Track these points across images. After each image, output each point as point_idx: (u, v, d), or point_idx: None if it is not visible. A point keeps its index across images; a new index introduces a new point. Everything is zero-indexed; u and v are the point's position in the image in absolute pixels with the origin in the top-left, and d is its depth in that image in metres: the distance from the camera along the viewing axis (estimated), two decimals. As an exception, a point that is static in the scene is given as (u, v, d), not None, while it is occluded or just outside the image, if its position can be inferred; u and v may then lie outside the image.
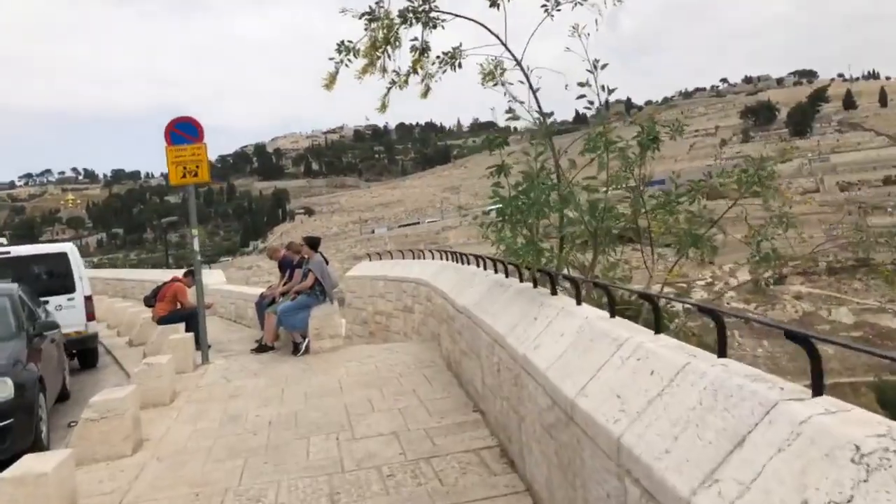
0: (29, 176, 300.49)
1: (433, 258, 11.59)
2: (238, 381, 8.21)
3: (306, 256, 9.98)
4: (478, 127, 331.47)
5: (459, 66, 5.81)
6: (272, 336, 10.14)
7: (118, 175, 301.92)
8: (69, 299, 10.65)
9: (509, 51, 5.54)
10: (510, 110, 5.36)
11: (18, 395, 5.77)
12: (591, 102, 5.12)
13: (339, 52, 5.76)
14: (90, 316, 10.82)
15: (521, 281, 5.31)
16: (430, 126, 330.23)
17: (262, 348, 10.15)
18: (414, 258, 12.76)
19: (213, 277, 17.68)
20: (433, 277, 9.43)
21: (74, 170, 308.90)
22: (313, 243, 9.90)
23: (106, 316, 16.15)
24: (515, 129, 5.62)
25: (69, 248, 11.11)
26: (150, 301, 11.74)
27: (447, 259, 10.55)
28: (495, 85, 5.57)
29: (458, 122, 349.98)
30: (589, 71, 5.06)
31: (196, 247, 9.78)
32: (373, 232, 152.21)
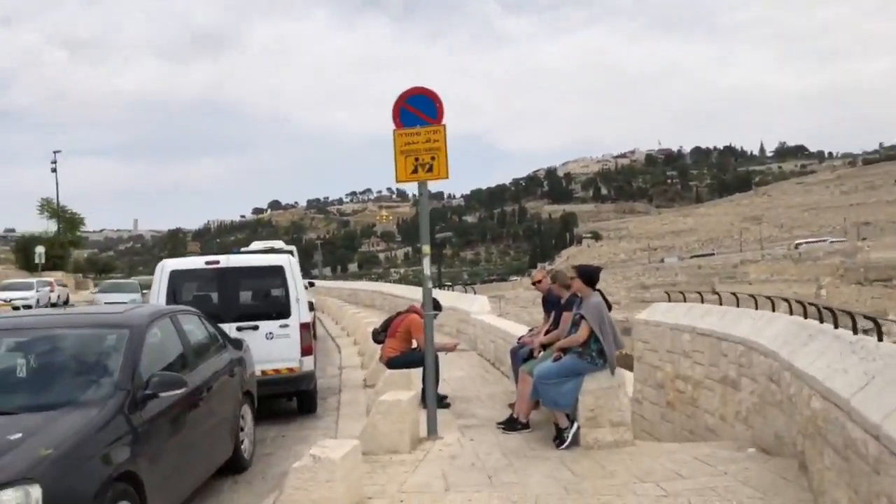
0: (354, 194, 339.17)
1: (773, 309, 7.72)
2: (460, 492, 5.16)
3: (579, 295, 6.74)
4: (785, 151, 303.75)
5: None
6: (526, 409, 7.01)
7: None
8: (282, 326, 8.54)
9: None
10: None
11: None
12: None
13: None
14: (306, 349, 8.57)
15: None
16: (728, 150, 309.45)
17: (511, 424, 7.08)
18: (737, 304, 8.86)
19: (474, 304, 15.06)
20: (785, 346, 5.66)
21: (389, 189, 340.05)
22: (589, 277, 6.59)
23: (361, 338, 14.27)
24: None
25: (286, 261, 8.88)
26: (379, 336, 9.28)
27: (803, 313, 6.64)
28: None
29: (761, 145, 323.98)
30: None
31: (427, 270, 7.03)
32: (662, 261, 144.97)
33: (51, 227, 60.35)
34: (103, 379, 4.49)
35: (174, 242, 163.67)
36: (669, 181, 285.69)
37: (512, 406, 7.96)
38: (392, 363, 8.53)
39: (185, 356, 5.50)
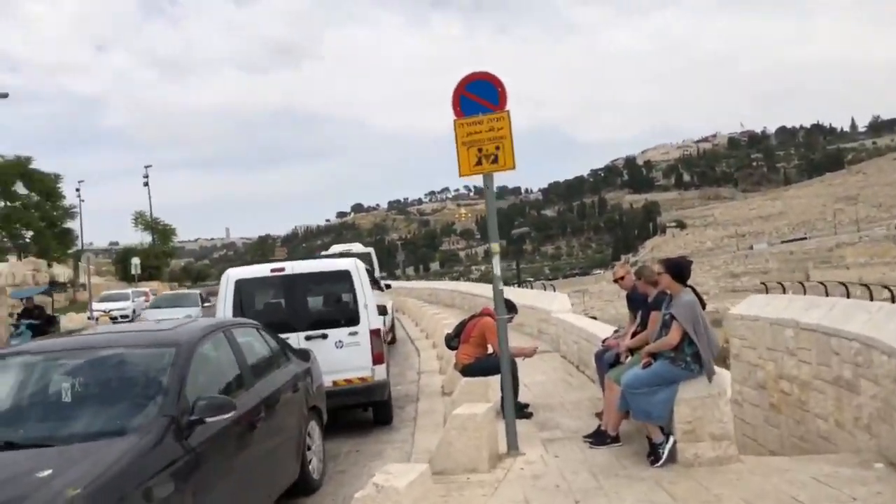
0: (432, 193, 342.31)
1: (871, 298, 6.83)
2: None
3: (668, 292, 6.07)
4: (879, 126, 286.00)
5: None
6: (615, 421, 6.37)
7: (502, 191, 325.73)
8: (351, 334, 8.11)
9: None
10: None
11: None
12: None
13: None
14: (378, 357, 8.13)
15: None
16: (816, 128, 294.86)
17: (599, 437, 6.47)
18: (847, 293, 7.97)
19: (555, 303, 14.37)
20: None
21: (466, 187, 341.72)
22: (679, 272, 5.91)
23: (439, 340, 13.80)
24: None
25: (352, 265, 8.44)
26: (452, 342, 8.73)
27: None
28: None
29: (853, 121, 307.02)
30: None
31: (497, 270, 6.48)
32: (751, 248, 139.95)
33: (145, 238, 62.98)
34: (145, 404, 4.12)
35: (263, 248, 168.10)
36: (755, 164, 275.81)
37: (599, 416, 7.34)
38: (467, 370, 8.01)
39: (241, 374, 5.11)
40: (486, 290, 22.08)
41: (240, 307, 8.04)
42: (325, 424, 6.88)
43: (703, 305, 5.84)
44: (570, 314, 13.27)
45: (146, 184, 60.27)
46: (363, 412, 8.60)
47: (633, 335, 6.83)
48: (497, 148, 6.38)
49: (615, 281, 7.83)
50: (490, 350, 8.17)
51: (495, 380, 7.48)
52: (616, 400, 6.19)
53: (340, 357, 7.91)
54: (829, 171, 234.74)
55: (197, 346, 4.68)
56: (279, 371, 5.83)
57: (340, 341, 7.98)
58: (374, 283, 15.45)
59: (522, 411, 7.78)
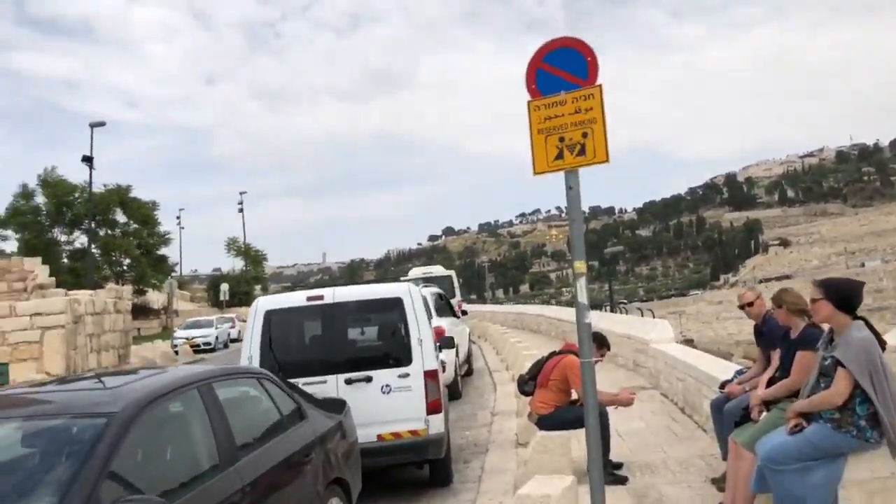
0: (523, 215, 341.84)
1: None
2: None
3: (823, 324, 4.31)
4: None
5: None
6: (743, 502, 4.60)
7: (595, 211, 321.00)
8: (401, 376, 6.47)
9: None
10: None
11: None
12: None
13: None
14: (433, 406, 6.43)
15: None
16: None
17: (722, 521, 4.71)
18: None
19: (653, 331, 12.39)
20: None
21: (558, 208, 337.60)
22: (846, 297, 4.11)
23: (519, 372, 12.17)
24: None
25: (405, 291, 6.75)
26: (525, 385, 6.91)
27: None
28: None
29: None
30: None
31: (582, 296, 4.83)
32: (863, 265, 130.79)
33: (237, 264, 63.85)
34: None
35: (351, 272, 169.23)
36: (866, 178, 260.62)
37: (717, 484, 5.58)
38: (544, 422, 6.32)
39: (218, 448, 3.63)
40: (573, 314, 20.15)
41: (269, 344, 6.67)
42: (365, 487, 5.43)
43: (883, 345, 4.05)
44: (672, 345, 11.30)
45: (241, 210, 61.28)
46: (417, 469, 7.05)
47: (770, 382, 5.02)
48: (584, 135, 4.76)
49: (741, 307, 5.98)
50: (574, 396, 6.50)
51: (580, 434, 5.81)
52: (748, 475, 4.45)
53: (387, 405, 6.40)
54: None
55: (140, 415, 3.20)
56: (285, 436, 4.34)
57: (388, 385, 6.45)
58: (449, 309, 13.99)
59: (614, 474, 6.09)
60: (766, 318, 5.65)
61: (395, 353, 6.63)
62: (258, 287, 61.93)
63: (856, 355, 3.88)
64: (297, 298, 7.03)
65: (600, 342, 6.50)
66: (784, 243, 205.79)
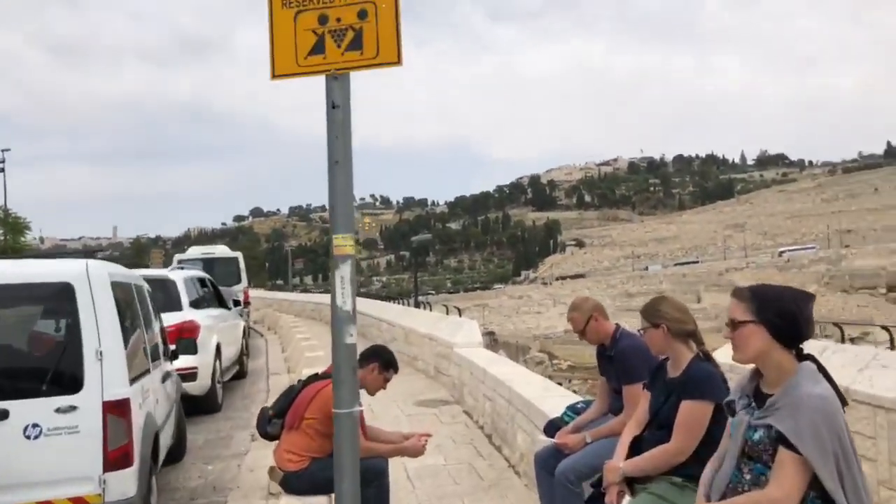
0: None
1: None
2: None
3: (746, 362, 2.55)
4: (766, 160, 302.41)
5: None
6: None
7: (408, 202, 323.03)
8: (60, 410, 3.97)
9: None
10: None
11: None
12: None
13: None
14: (116, 456, 4.08)
15: None
16: (710, 158, 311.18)
17: None
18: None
19: (459, 333, 10.61)
20: None
21: (373, 196, 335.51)
22: (790, 321, 2.37)
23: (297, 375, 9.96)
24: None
25: (81, 274, 4.24)
26: (267, 425, 4.59)
27: None
28: None
29: (742, 153, 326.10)
30: None
31: (344, 296, 2.84)
32: (646, 268, 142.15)
33: (-8, 232, 55.31)
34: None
35: (138, 249, 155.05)
36: (652, 189, 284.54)
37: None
38: (291, 483, 4.23)
39: None
40: (371, 307, 17.94)
41: None
42: None
43: (845, 404, 2.34)
44: (481, 350, 9.55)
45: (1, 170, 53.07)
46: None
47: (636, 445, 3.19)
48: (362, 15, 2.74)
49: (570, 321, 4.20)
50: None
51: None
52: None
53: (35, 457, 4.00)
54: (720, 199, 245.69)
55: None
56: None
57: (36, 425, 4.04)
58: (217, 299, 11.46)
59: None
60: (616, 337, 3.95)
61: (53, 373, 4.20)
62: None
63: (813, 430, 2.16)
64: None
65: (386, 363, 4.50)
66: (580, 244, 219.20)
